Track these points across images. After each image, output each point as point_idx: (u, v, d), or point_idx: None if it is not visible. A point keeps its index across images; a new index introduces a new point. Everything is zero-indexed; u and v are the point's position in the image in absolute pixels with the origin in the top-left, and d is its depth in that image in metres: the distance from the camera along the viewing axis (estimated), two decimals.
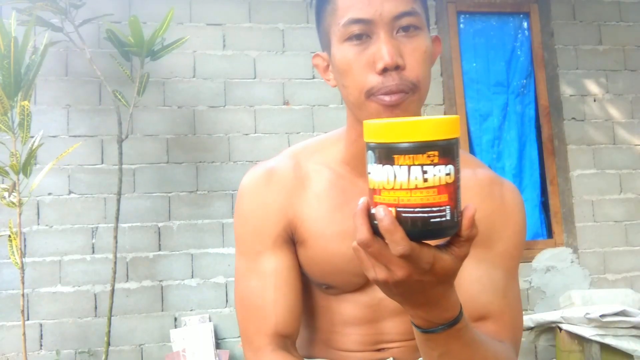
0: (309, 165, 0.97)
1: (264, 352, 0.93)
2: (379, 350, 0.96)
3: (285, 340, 0.94)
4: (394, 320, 0.95)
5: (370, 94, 0.83)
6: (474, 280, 0.89)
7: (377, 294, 0.94)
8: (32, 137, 2.36)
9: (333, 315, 0.97)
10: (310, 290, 1.00)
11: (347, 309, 0.96)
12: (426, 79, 0.85)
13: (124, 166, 2.74)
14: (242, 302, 0.95)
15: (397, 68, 0.81)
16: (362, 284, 0.95)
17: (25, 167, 2.28)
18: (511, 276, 0.92)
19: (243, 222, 0.96)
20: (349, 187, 0.94)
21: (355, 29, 0.82)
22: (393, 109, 0.82)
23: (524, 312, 3.08)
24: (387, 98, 0.81)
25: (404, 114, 0.82)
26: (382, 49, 0.81)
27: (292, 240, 0.95)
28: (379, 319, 0.96)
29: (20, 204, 2.29)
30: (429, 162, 0.56)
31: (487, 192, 0.94)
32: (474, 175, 0.96)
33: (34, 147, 2.31)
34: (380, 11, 0.81)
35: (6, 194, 2.28)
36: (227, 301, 2.87)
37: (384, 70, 0.81)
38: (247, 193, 0.96)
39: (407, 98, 0.82)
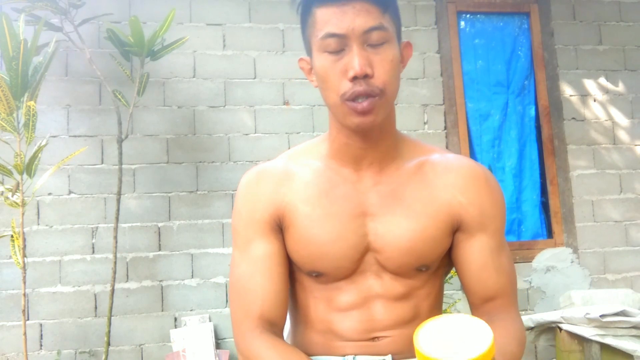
0: (298, 162, 1.08)
1: (252, 334, 0.99)
2: (373, 339, 1.03)
3: (273, 328, 1.00)
4: (383, 305, 1.02)
5: (344, 97, 0.95)
6: (480, 268, 1.02)
7: (366, 280, 1.03)
8: (36, 137, 2.36)
9: (326, 304, 1.04)
10: (303, 284, 1.07)
11: (339, 297, 1.03)
12: (393, 84, 0.97)
13: (124, 166, 2.74)
14: (233, 287, 1.05)
15: (366, 77, 0.93)
16: (351, 271, 1.02)
17: (29, 167, 2.29)
18: (503, 247, 1.05)
19: (238, 215, 1.07)
20: (334, 176, 1.05)
21: (331, 42, 0.95)
22: (365, 114, 0.95)
23: (523, 313, 3.08)
24: (359, 107, 0.94)
25: (375, 118, 0.96)
26: (353, 60, 0.93)
27: (280, 228, 1.04)
28: (369, 305, 1.03)
29: (24, 204, 2.29)
30: None
31: (470, 175, 1.04)
32: (446, 159, 1.06)
33: (41, 146, 2.31)
34: (352, 27, 0.93)
35: (9, 194, 2.28)
36: (227, 301, 2.87)
37: (355, 78, 0.93)
38: (241, 190, 1.08)
39: (375, 103, 0.95)
